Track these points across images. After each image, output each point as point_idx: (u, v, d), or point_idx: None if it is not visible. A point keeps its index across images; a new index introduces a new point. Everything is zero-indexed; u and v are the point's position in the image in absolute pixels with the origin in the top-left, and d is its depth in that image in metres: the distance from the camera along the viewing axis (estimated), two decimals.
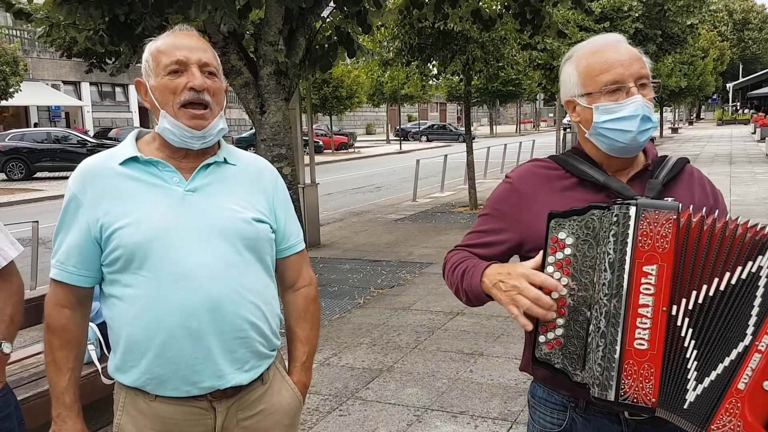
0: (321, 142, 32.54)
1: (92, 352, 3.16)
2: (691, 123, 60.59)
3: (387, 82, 31.50)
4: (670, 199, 1.34)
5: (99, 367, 3.05)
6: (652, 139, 1.55)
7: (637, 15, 16.45)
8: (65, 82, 32.73)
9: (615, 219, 1.31)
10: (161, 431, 1.57)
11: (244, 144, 26.54)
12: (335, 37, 6.46)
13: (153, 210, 1.51)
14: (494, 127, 51.03)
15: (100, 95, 34.83)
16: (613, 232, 1.31)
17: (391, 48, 11.09)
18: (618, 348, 1.30)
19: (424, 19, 9.07)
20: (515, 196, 1.55)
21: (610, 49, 1.46)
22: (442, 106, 62.92)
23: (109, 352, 1.69)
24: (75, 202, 1.54)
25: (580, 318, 1.34)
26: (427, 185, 15.81)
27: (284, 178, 5.78)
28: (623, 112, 1.41)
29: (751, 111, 52.41)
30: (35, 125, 29.74)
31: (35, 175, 21.67)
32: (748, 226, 1.28)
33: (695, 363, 1.29)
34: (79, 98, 33.28)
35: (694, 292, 1.28)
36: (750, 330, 1.26)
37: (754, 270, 1.26)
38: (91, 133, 28.29)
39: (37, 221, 7.31)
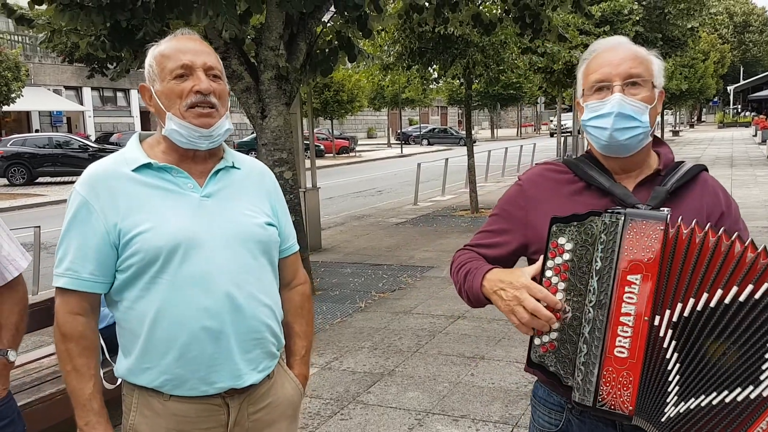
0: (322, 146, 32.55)
1: None
2: (692, 126, 60.56)
3: (388, 86, 31.55)
4: (666, 209, 1.34)
5: (101, 372, 3.04)
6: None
7: (637, 18, 16.46)
8: (67, 87, 32.79)
9: (604, 227, 1.33)
10: (175, 429, 1.59)
11: (245, 148, 26.59)
12: (336, 42, 6.48)
13: (172, 215, 1.53)
14: (495, 130, 51.02)
15: (102, 100, 34.88)
16: (601, 240, 1.32)
17: (392, 52, 11.12)
18: (598, 354, 1.31)
19: (424, 23, 9.08)
20: (523, 199, 1.58)
21: (608, 51, 1.48)
22: (443, 109, 62.93)
23: (111, 358, 1.70)
24: (86, 208, 1.54)
25: (574, 323, 1.36)
26: (428, 189, 15.81)
27: (285, 183, 5.85)
28: (602, 110, 1.44)
29: (752, 113, 52.36)
30: (36, 131, 29.79)
31: (37, 180, 21.71)
32: (754, 246, 1.24)
33: (677, 377, 1.27)
34: (81, 103, 33.34)
35: (680, 305, 1.26)
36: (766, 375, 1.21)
37: (757, 297, 1.21)
38: (93, 138, 28.33)
39: (39, 226, 7.34)
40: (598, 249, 1.33)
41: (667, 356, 1.27)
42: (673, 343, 1.27)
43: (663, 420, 1.29)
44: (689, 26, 18.97)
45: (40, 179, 21.86)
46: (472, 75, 11.58)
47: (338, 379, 4.39)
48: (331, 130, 33.94)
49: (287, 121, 5.99)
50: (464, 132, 12.59)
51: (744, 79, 58.87)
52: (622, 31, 15.33)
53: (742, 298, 1.22)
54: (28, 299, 1.92)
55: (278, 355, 1.72)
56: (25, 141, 22.02)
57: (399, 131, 42.78)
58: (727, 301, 1.23)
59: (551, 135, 38.62)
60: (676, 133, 44.37)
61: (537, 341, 1.39)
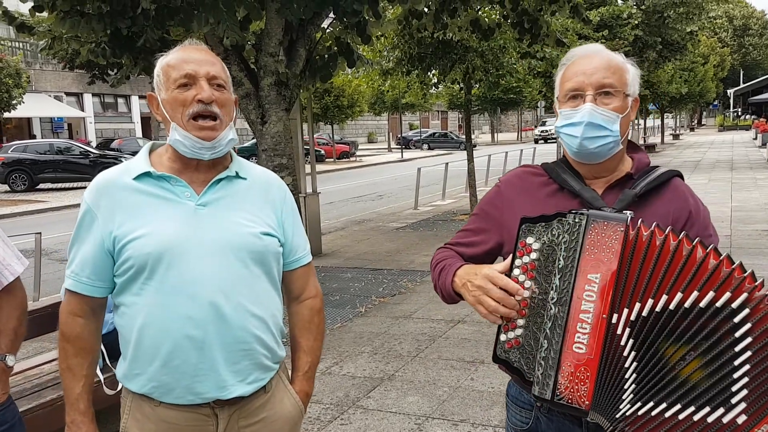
0: (322, 151, 32.61)
1: None
2: (692, 129, 60.61)
3: (388, 91, 31.62)
4: (628, 212, 1.37)
5: (102, 377, 3.06)
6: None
7: (636, 22, 16.51)
8: (68, 94, 32.89)
9: (568, 227, 1.36)
10: None
11: (246, 154, 26.62)
12: (335, 48, 6.51)
13: (165, 223, 1.55)
14: (495, 134, 51.07)
15: (103, 106, 34.98)
16: (565, 239, 1.36)
17: (391, 58, 11.15)
18: (558, 349, 1.34)
19: (423, 28, 9.11)
20: (500, 199, 1.63)
21: (584, 59, 1.51)
22: (444, 114, 63.03)
23: (112, 363, 1.72)
24: (90, 215, 1.59)
25: (538, 320, 1.39)
26: (429, 193, 15.83)
27: None
28: (574, 119, 1.47)
29: (753, 117, 52.38)
30: (33, 137, 29.83)
31: (38, 187, 21.71)
32: (716, 253, 1.25)
33: (634, 375, 1.29)
34: (82, 109, 33.44)
35: (638, 305, 1.28)
36: (738, 399, 1.21)
37: (719, 305, 1.22)
38: (94, 144, 28.38)
39: (40, 233, 7.35)
40: (561, 248, 1.36)
41: (625, 354, 1.30)
42: (631, 341, 1.29)
43: (617, 416, 1.31)
44: (689, 30, 19.02)
45: (42, 185, 21.86)
46: (472, 80, 11.61)
47: (338, 384, 4.40)
48: (331, 135, 33.99)
49: (287, 127, 6.01)
50: (464, 136, 12.61)
51: (744, 83, 58.96)
52: (621, 35, 15.38)
53: (702, 304, 1.23)
54: (28, 305, 1.94)
55: (274, 368, 1.69)
56: (26, 147, 22.04)
57: (399, 136, 42.89)
58: (687, 305, 1.24)
59: (535, 141, 38.83)
60: (676, 136, 44.41)
61: (503, 337, 1.43)
